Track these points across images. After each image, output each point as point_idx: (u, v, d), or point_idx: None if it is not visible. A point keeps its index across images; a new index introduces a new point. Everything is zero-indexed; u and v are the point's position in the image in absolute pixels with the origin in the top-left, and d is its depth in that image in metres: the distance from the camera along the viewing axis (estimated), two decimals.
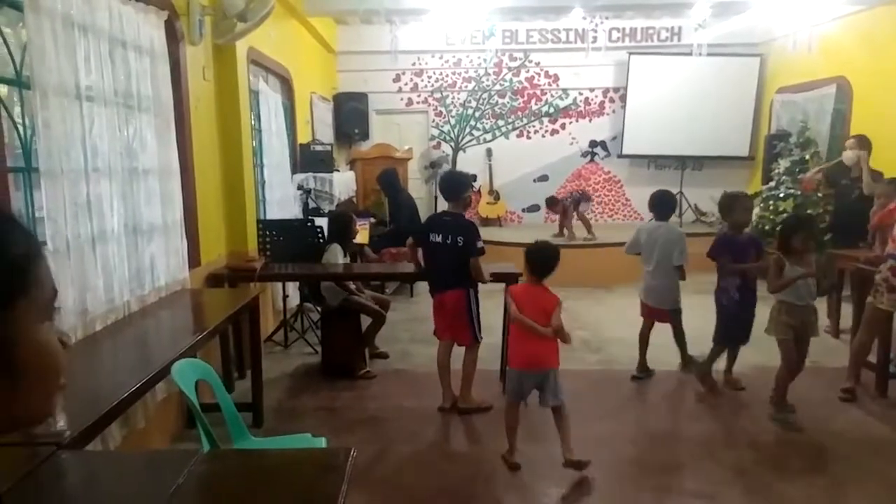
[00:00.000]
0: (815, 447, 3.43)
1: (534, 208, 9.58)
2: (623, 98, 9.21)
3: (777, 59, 8.56)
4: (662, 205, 4.58)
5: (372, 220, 7.15)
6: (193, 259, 3.97)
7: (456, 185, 3.99)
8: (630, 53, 8.99)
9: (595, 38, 8.85)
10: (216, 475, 1.45)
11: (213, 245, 4.35)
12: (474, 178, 9.63)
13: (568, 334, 3.17)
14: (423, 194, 9.53)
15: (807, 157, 6.89)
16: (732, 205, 4.15)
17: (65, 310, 2.60)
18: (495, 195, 9.50)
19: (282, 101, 6.33)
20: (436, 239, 3.83)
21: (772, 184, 7.07)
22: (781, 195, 6.76)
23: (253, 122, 5.39)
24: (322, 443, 2.43)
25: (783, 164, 7.02)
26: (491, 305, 4.41)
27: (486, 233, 8.47)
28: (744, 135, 8.93)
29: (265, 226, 5.01)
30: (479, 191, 9.67)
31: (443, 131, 9.71)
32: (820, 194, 6.45)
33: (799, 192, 6.68)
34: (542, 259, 3.29)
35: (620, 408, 4.03)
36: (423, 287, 6.90)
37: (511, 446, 3.28)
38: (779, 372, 3.75)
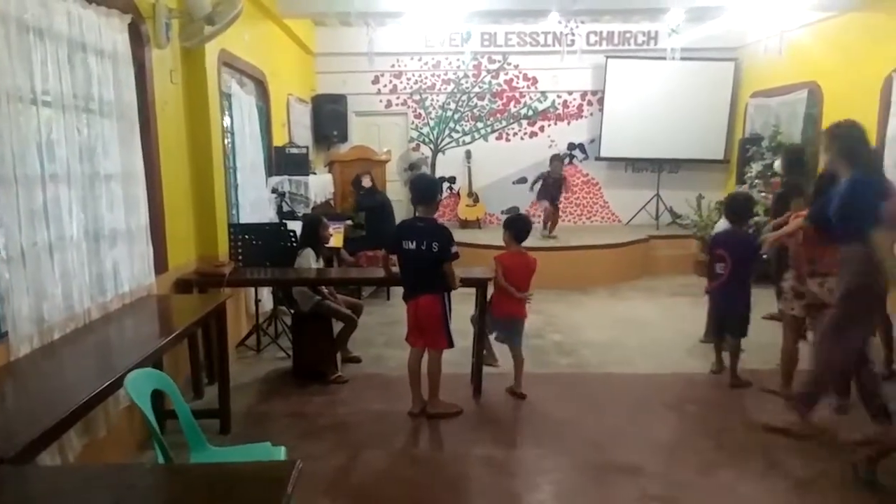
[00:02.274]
0: (777, 449, 3.47)
1: (513, 210, 9.58)
2: (601, 101, 9.27)
3: (751, 64, 8.67)
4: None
5: (348, 222, 7.13)
6: (160, 264, 3.93)
7: (429, 190, 3.99)
8: (607, 57, 9.05)
9: (573, 42, 8.90)
10: (155, 492, 1.43)
11: (181, 250, 4.31)
12: (453, 180, 9.75)
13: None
14: (401, 196, 9.52)
15: (778, 160, 6.97)
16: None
17: (19, 318, 2.55)
18: (474, 197, 9.51)
19: (256, 103, 6.28)
20: (409, 245, 3.80)
21: (744, 186, 7.15)
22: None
23: (225, 125, 5.35)
24: (281, 452, 2.41)
25: (755, 167, 7.11)
26: (464, 310, 4.42)
27: (465, 235, 8.58)
28: (719, 138, 9.03)
29: (237, 230, 4.98)
30: (458, 193, 9.69)
31: (422, 133, 9.70)
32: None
33: (771, 195, 6.75)
34: (521, 227, 4.24)
35: (587, 410, 4.04)
36: (399, 290, 6.91)
37: (490, 351, 4.35)
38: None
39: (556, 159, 8.31)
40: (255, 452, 2.38)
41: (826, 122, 7.02)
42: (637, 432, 3.73)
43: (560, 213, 8.66)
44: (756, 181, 7.01)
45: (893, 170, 6.00)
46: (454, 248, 3.76)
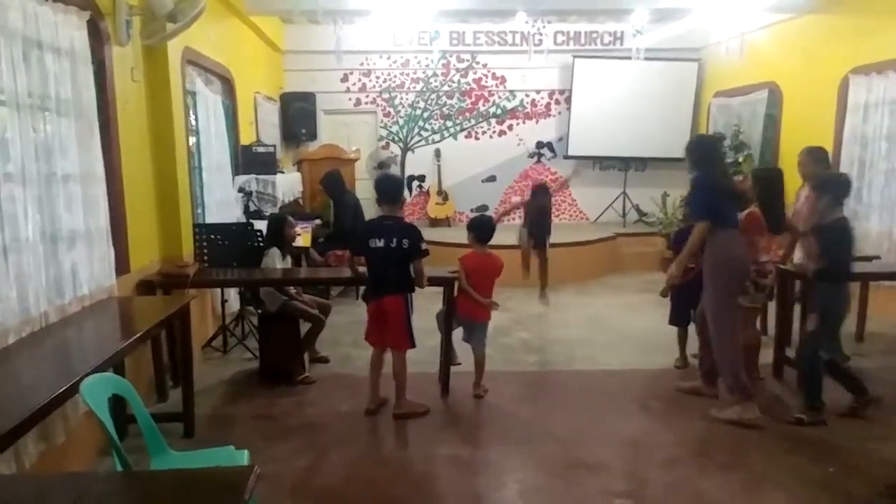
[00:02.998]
0: (736, 443, 3.56)
1: (482, 209, 9.64)
2: (568, 100, 9.37)
3: (713, 65, 8.85)
4: None
5: (318, 222, 7.08)
6: (122, 266, 3.86)
7: (394, 189, 3.98)
8: (574, 57, 9.14)
9: (540, 42, 8.98)
10: (109, 500, 1.41)
11: (144, 251, 4.24)
12: (422, 178, 9.75)
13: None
14: (371, 195, 9.48)
15: (740, 159, 7.15)
16: None
17: None
18: (444, 196, 9.53)
19: (222, 101, 6.20)
20: (377, 244, 3.79)
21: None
22: None
23: (190, 124, 5.27)
24: (244, 456, 2.40)
25: None
26: (434, 308, 4.43)
27: (435, 233, 8.59)
28: (684, 137, 9.08)
29: (202, 230, 4.91)
30: (427, 191, 9.70)
31: (391, 132, 9.69)
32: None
33: None
34: (483, 228, 4.26)
35: (553, 408, 4.09)
36: (361, 289, 6.90)
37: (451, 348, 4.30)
38: None
39: (540, 191, 6.56)
40: (218, 457, 2.36)
41: (786, 122, 7.26)
42: (602, 429, 3.79)
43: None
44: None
45: (849, 170, 6.21)
46: (424, 245, 3.78)
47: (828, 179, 3.88)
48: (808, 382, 3.76)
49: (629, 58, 8.49)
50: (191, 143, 5.27)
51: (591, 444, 3.56)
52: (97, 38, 3.69)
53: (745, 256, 3.82)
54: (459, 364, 4.40)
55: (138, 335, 2.97)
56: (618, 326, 5.81)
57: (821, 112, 6.54)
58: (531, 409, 4.07)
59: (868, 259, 5.22)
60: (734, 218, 3.83)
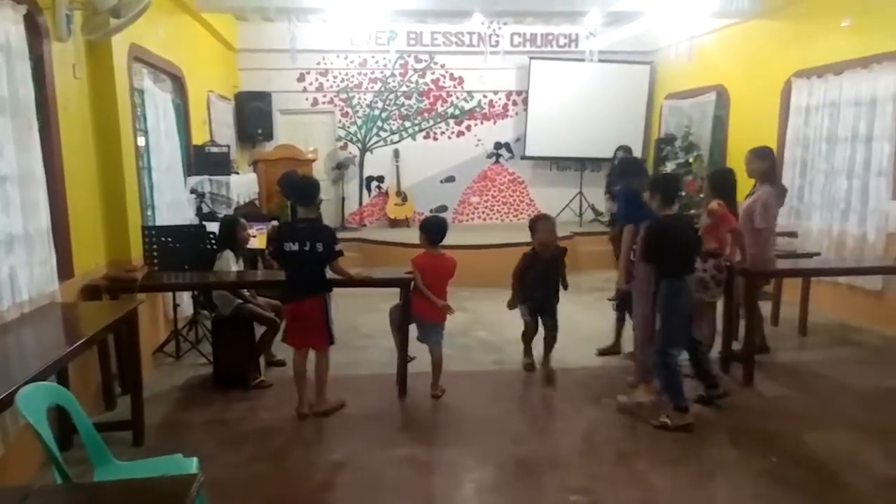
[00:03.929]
0: (685, 436, 3.65)
1: (441, 209, 9.66)
2: (525, 101, 9.47)
3: (664, 67, 9.07)
4: None
5: (274, 223, 6.96)
6: (65, 270, 3.72)
7: (308, 190, 3.95)
8: (531, 58, 9.25)
9: (497, 43, 9.04)
10: None
11: (89, 255, 4.09)
12: (381, 179, 9.71)
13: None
14: (330, 196, 9.42)
15: (690, 159, 7.34)
16: None
17: None
18: (403, 196, 9.51)
19: (173, 100, 6.04)
20: (292, 248, 3.78)
21: None
22: None
23: (138, 123, 5.12)
24: (193, 464, 2.34)
25: (670, 166, 7.45)
26: (387, 308, 4.41)
27: (394, 234, 8.58)
28: (637, 138, 9.39)
29: (152, 232, 4.78)
30: (386, 192, 9.66)
31: (349, 132, 9.62)
32: (702, 195, 6.88)
33: (684, 193, 7.09)
34: (435, 229, 4.21)
35: (510, 407, 4.13)
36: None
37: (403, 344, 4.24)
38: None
39: (542, 223, 4.63)
40: (165, 465, 2.29)
41: (733, 124, 7.48)
42: (557, 426, 3.84)
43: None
44: None
45: (792, 169, 6.45)
46: (338, 247, 3.80)
47: (654, 179, 4.09)
48: (666, 384, 3.80)
49: (583, 60, 8.63)
50: (139, 143, 5.12)
51: (546, 442, 3.60)
52: (35, 32, 3.55)
53: None
54: (414, 358, 4.38)
55: (81, 341, 2.87)
56: (575, 324, 5.87)
57: (765, 114, 6.77)
58: (488, 408, 4.09)
59: (808, 256, 5.43)
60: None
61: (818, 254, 5.63)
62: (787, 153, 6.48)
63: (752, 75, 7.12)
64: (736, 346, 4.61)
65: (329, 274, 3.92)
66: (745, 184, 4.83)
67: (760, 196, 4.60)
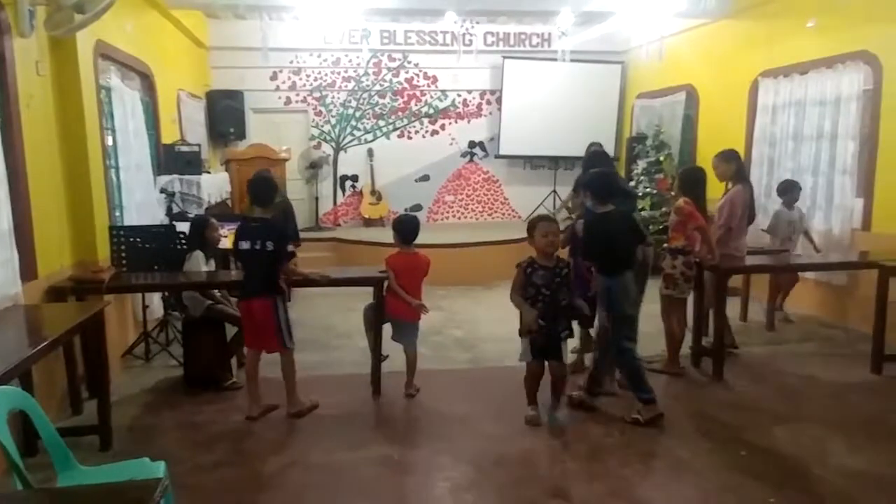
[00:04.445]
0: (656, 431, 3.70)
1: (416, 208, 9.65)
2: (499, 100, 9.50)
3: (635, 67, 9.18)
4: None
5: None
6: (28, 272, 3.63)
7: (263, 189, 3.90)
8: (504, 57, 9.28)
9: (471, 42, 9.06)
10: None
11: (54, 256, 4.00)
12: (355, 178, 9.66)
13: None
14: (304, 195, 9.35)
15: (661, 158, 7.44)
16: None
17: None
18: (377, 195, 9.47)
19: (141, 98, 5.94)
20: (244, 246, 3.78)
21: (632, 183, 7.56)
22: (640, 194, 7.25)
23: (105, 122, 5.02)
24: (160, 468, 2.29)
25: (641, 164, 7.54)
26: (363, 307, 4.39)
27: (369, 234, 8.54)
28: (610, 137, 9.47)
29: (119, 233, 4.69)
30: (360, 192, 9.62)
31: (323, 131, 9.55)
32: (673, 193, 6.98)
33: (655, 191, 7.19)
34: (407, 228, 4.18)
35: (485, 405, 4.12)
36: (299, 292, 6.77)
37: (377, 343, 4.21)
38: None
39: (544, 224, 3.72)
40: (131, 470, 2.25)
41: (702, 123, 7.60)
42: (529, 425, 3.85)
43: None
44: (642, 178, 7.44)
45: (759, 168, 6.57)
46: (290, 247, 3.77)
47: (584, 180, 4.11)
48: (629, 379, 3.86)
49: (557, 59, 8.69)
50: (107, 142, 5.02)
51: (520, 439, 3.61)
52: None
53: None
54: (387, 357, 4.37)
55: (44, 344, 2.80)
56: None
57: (733, 113, 6.90)
58: (463, 406, 4.09)
59: (775, 252, 5.54)
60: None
61: (786, 250, 5.74)
62: (754, 151, 6.60)
63: (720, 75, 7.24)
64: (707, 341, 4.70)
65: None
66: (717, 183, 4.93)
67: (729, 195, 4.75)
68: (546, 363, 3.72)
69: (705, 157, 7.23)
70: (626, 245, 3.83)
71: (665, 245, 4.52)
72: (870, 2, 5.38)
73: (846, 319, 5.57)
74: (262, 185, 3.97)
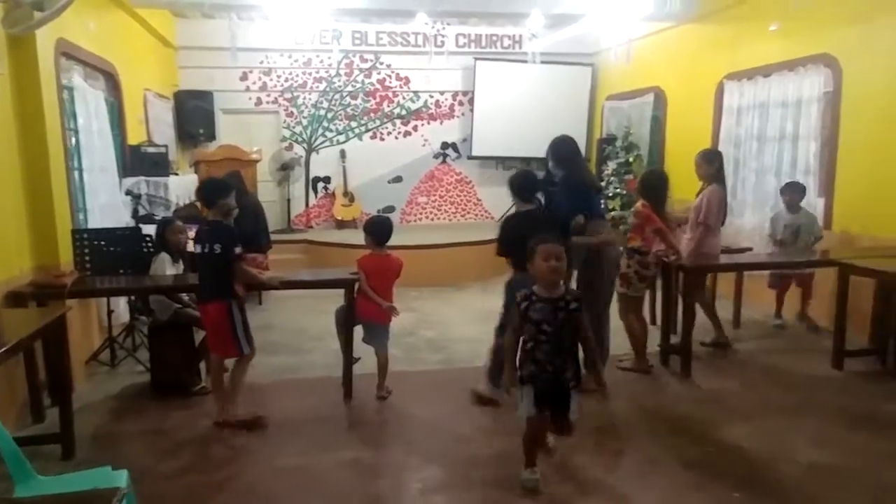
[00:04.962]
0: (626, 428, 3.75)
1: (389, 209, 9.63)
2: (471, 101, 9.53)
3: (605, 69, 9.29)
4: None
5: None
6: None
7: (209, 191, 3.81)
8: (476, 59, 9.31)
9: (443, 43, 9.07)
10: None
11: (11, 260, 3.89)
12: (328, 179, 9.59)
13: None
14: (275, 197, 9.27)
15: (630, 159, 7.55)
16: None
17: None
18: (350, 197, 9.42)
19: (106, 98, 5.82)
20: (196, 249, 3.73)
21: (602, 184, 7.65)
22: (610, 194, 7.34)
23: (68, 122, 4.91)
24: (123, 477, 2.25)
25: (611, 165, 7.63)
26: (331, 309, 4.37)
27: (341, 235, 8.48)
28: (580, 138, 9.52)
29: (83, 236, 4.59)
30: (333, 193, 9.56)
31: (295, 132, 9.47)
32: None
33: (625, 192, 7.28)
34: (379, 230, 4.17)
35: (456, 406, 4.12)
36: (270, 295, 6.71)
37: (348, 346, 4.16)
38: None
39: (546, 248, 3.00)
40: (92, 479, 2.20)
41: (670, 124, 7.72)
42: (502, 424, 3.85)
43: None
44: (612, 178, 7.53)
45: (726, 167, 6.67)
46: (237, 249, 3.64)
47: (510, 181, 4.19)
48: (494, 366, 4.00)
49: (524, 61, 8.75)
50: (69, 143, 4.91)
51: (491, 439, 3.62)
52: None
53: (615, 242, 4.22)
54: (359, 359, 4.34)
55: (2, 351, 2.73)
56: None
57: (700, 114, 7.02)
58: (434, 407, 4.09)
59: (741, 251, 5.65)
60: (600, 208, 4.25)
61: (750, 249, 5.86)
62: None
63: (687, 78, 7.36)
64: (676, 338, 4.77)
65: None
66: (685, 184, 5.02)
67: (706, 194, 4.86)
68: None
69: (674, 158, 7.38)
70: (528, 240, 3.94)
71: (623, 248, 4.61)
72: (830, 6, 5.52)
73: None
74: (206, 187, 3.86)
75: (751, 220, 6.41)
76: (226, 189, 3.78)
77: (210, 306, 3.71)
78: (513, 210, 4.24)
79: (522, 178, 4.09)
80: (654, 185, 4.57)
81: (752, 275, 5.81)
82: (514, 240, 3.86)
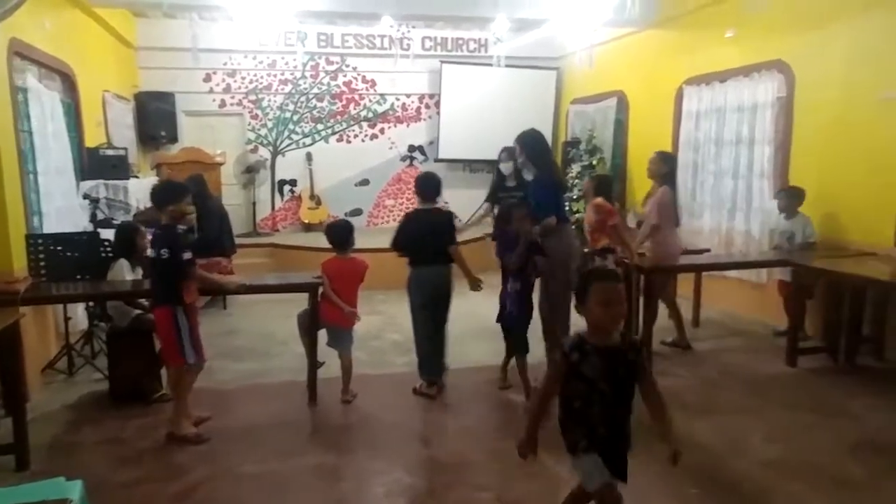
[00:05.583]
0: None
1: (356, 212, 9.60)
2: (438, 104, 9.57)
3: (569, 73, 9.42)
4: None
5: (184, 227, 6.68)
6: None
7: (159, 196, 3.69)
8: (442, 62, 9.35)
9: (409, 46, 9.08)
10: None
11: None
12: (294, 182, 9.51)
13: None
14: (241, 200, 9.16)
15: (594, 162, 7.67)
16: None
17: None
18: (317, 200, 9.36)
19: (62, 99, 5.69)
20: (150, 254, 3.68)
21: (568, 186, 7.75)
22: (574, 197, 7.45)
23: (21, 124, 4.78)
24: (77, 488, 2.21)
25: (575, 168, 7.74)
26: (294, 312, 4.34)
27: (307, 238, 8.41)
28: (547, 141, 9.68)
29: (38, 241, 4.47)
30: (299, 196, 9.48)
31: (260, 135, 9.38)
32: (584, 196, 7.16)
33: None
34: (339, 234, 4.20)
35: (420, 408, 4.16)
36: (236, 299, 6.63)
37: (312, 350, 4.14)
38: None
39: (604, 286, 2.24)
40: (44, 491, 2.15)
41: (632, 128, 7.86)
42: (468, 425, 3.90)
43: None
44: (576, 181, 7.63)
45: (685, 171, 6.85)
46: (186, 255, 3.54)
47: (415, 181, 4.54)
48: (418, 356, 4.39)
49: (489, 64, 8.80)
50: (23, 145, 4.78)
51: (455, 442, 3.65)
52: None
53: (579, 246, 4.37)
54: (323, 363, 4.32)
55: None
56: (487, 323, 5.96)
57: (661, 119, 7.17)
58: (399, 411, 4.10)
59: (700, 252, 5.79)
60: (565, 211, 4.39)
61: (708, 250, 6.01)
62: (680, 156, 6.86)
63: (648, 82, 7.51)
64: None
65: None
66: (645, 187, 5.14)
67: (658, 196, 4.98)
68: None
69: (636, 161, 7.52)
70: (431, 242, 4.21)
71: (587, 249, 4.69)
72: (783, 14, 5.70)
73: (764, 315, 5.85)
74: (156, 191, 3.75)
75: (709, 222, 6.57)
76: (177, 193, 3.66)
77: (156, 310, 3.64)
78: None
79: (425, 179, 4.41)
80: (609, 185, 4.78)
81: (712, 275, 5.97)
82: (408, 236, 4.22)
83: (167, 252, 3.51)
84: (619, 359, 2.25)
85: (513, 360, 4.39)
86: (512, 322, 4.25)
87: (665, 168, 5.10)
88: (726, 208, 6.32)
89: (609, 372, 2.22)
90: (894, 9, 4.75)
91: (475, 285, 4.44)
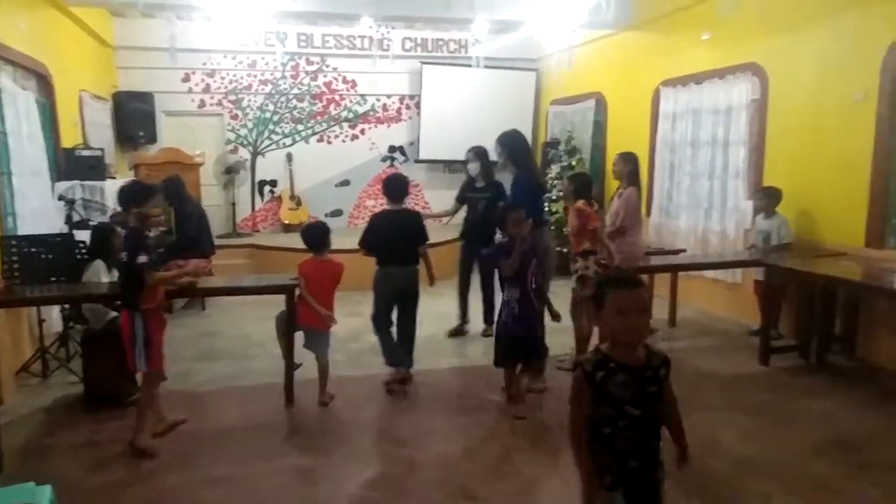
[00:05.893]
0: (562, 428, 3.84)
1: (336, 213, 9.59)
2: (418, 105, 9.58)
3: (548, 74, 9.47)
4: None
5: (160, 230, 6.62)
6: None
7: (124, 198, 3.62)
8: (422, 63, 9.36)
9: (389, 47, 9.09)
10: None
11: None
12: (274, 183, 9.47)
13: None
14: (220, 201, 9.11)
15: (573, 163, 7.73)
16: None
17: None
18: (297, 201, 9.33)
19: (36, 99, 5.62)
20: (122, 257, 3.60)
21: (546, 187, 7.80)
22: (554, 198, 7.50)
23: None
24: (46, 492, 2.20)
25: (555, 169, 7.80)
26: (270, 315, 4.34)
27: (287, 240, 8.38)
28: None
29: (11, 242, 4.42)
30: (279, 197, 9.45)
31: (240, 135, 9.33)
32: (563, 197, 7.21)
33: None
34: (314, 236, 4.21)
35: (397, 409, 4.18)
36: (214, 301, 6.61)
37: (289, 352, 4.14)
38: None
39: (622, 294, 1.99)
40: (12, 495, 2.14)
41: (610, 129, 7.93)
42: (445, 426, 3.91)
43: None
44: (556, 182, 7.69)
45: (662, 172, 6.94)
46: (141, 258, 3.42)
47: (382, 183, 4.63)
48: (381, 346, 4.51)
49: (469, 65, 8.82)
50: None
51: (431, 443, 3.66)
52: None
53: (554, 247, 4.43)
54: (300, 365, 4.32)
55: None
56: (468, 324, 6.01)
57: (638, 120, 7.25)
58: (376, 412, 4.11)
59: (676, 252, 5.87)
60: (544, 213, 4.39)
61: (684, 250, 6.09)
62: (657, 157, 6.96)
63: (626, 84, 7.59)
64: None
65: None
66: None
67: (624, 197, 5.05)
68: None
69: None
70: (400, 243, 4.30)
71: (569, 251, 4.73)
72: (758, 18, 5.79)
73: (739, 315, 5.94)
74: (122, 192, 3.68)
75: (685, 222, 6.65)
76: (142, 195, 3.56)
77: (122, 314, 3.60)
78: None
79: (392, 180, 4.51)
80: (588, 185, 4.74)
81: (688, 275, 6.05)
82: (376, 236, 4.30)
83: (125, 255, 3.46)
84: (649, 376, 2.04)
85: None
86: (521, 331, 3.99)
87: (629, 166, 5.18)
88: (702, 208, 6.40)
89: (637, 391, 1.99)
90: (863, 14, 4.85)
91: (433, 282, 4.73)
